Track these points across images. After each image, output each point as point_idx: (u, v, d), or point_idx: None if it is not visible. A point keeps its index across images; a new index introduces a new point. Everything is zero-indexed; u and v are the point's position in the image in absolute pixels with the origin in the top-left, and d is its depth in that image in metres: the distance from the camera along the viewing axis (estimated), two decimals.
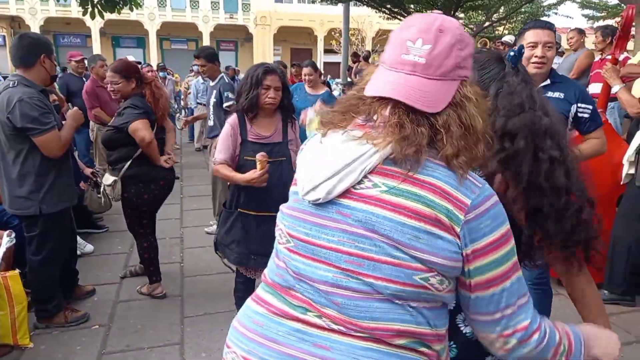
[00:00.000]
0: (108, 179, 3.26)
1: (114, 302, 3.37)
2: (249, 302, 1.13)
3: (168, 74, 11.72)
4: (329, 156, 0.97)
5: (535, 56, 2.36)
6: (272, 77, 2.61)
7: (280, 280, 1.05)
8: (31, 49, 2.74)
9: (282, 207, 1.10)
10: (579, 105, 2.41)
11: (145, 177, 3.21)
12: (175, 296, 3.48)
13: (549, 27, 2.41)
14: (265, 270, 1.13)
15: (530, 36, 2.39)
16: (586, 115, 2.42)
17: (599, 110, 3.43)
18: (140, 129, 3.07)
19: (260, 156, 2.47)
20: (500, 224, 0.94)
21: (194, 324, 3.09)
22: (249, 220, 2.66)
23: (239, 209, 2.68)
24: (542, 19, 16.37)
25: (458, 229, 0.91)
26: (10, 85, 2.66)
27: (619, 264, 3.37)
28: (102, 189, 3.32)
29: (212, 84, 4.80)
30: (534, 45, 2.37)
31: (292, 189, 1.08)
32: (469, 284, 0.96)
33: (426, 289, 0.93)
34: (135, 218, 3.33)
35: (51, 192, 2.78)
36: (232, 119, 2.66)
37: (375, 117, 0.96)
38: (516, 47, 1.22)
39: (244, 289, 2.80)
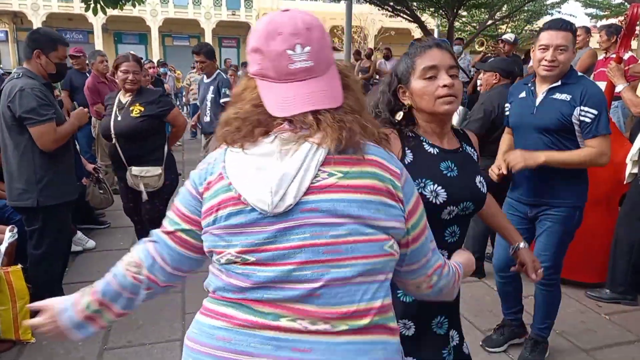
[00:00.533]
0: (150, 170, 3.34)
1: None
2: (201, 318, 1.08)
3: (169, 70, 11.70)
4: (279, 162, 0.97)
5: (545, 59, 2.28)
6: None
7: (240, 295, 1.01)
8: (29, 44, 2.78)
9: (211, 230, 1.03)
10: (582, 108, 2.25)
11: (174, 162, 3.56)
12: (176, 292, 3.48)
13: (566, 27, 2.27)
14: (210, 287, 1.07)
15: (544, 38, 2.30)
16: (587, 120, 2.25)
17: None
18: (179, 114, 3.50)
19: None
20: (413, 184, 1.11)
21: None
22: None
23: None
24: (544, 18, 16.37)
25: (400, 195, 1.03)
26: (15, 77, 2.72)
27: (621, 264, 3.37)
28: (107, 184, 3.45)
29: (207, 80, 4.82)
30: (545, 48, 2.28)
31: (222, 212, 1.01)
32: (407, 241, 1.08)
33: (392, 256, 1.05)
34: (166, 206, 3.36)
35: (50, 185, 2.78)
36: None
37: (298, 125, 1.00)
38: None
39: None
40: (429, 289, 1.19)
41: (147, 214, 3.53)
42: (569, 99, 2.30)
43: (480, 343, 2.84)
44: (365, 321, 0.99)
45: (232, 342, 0.99)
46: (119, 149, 3.38)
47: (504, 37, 6.57)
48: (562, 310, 3.26)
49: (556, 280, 2.58)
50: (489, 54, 6.72)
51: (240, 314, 1.00)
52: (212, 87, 4.74)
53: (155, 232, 1.15)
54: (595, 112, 2.25)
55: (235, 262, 1.00)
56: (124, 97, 3.44)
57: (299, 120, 0.98)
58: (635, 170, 3.23)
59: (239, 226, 0.99)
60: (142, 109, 3.33)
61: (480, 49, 6.75)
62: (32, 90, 2.64)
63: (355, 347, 0.99)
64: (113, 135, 3.37)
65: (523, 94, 2.51)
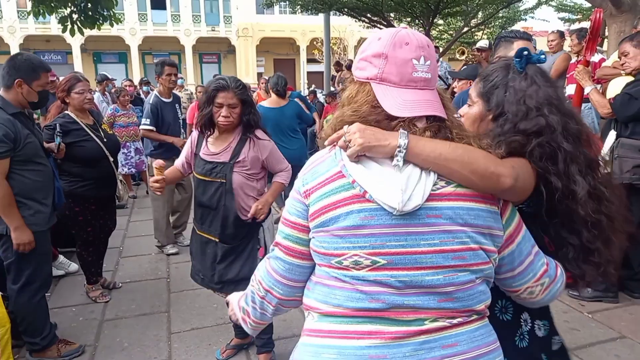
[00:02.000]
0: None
1: (99, 321, 3.34)
2: (340, 342, 1.04)
3: (151, 90, 11.61)
4: (403, 167, 1.03)
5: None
6: (225, 94, 2.40)
7: (377, 305, 1.02)
8: (10, 71, 2.63)
9: (330, 230, 1.04)
10: None
11: None
12: (161, 312, 3.45)
13: (526, 38, 2.38)
14: (324, 304, 1.07)
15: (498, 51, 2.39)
16: None
17: None
18: None
19: (156, 163, 2.44)
20: None
21: (182, 340, 3.07)
22: (196, 238, 2.68)
23: (195, 228, 2.70)
24: (518, 23, 16.69)
25: (498, 198, 1.09)
26: None
27: None
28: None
29: (167, 100, 4.55)
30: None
31: (342, 210, 1.02)
32: (504, 241, 1.10)
33: (492, 265, 1.09)
34: None
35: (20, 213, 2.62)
36: (194, 132, 2.64)
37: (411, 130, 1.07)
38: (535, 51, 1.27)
39: None
40: (543, 294, 1.18)
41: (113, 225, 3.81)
42: None
43: None
44: (486, 314, 1.11)
45: (387, 357, 1.01)
46: (114, 166, 3.54)
47: (478, 45, 6.69)
48: (560, 317, 3.31)
49: None
50: (470, 62, 6.82)
51: (388, 328, 1.02)
52: (176, 106, 4.67)
53: (270, 247, 1.23)
54: None
55: (364, 266, 1.02)
56: (83, 119, 3.40)
57: (411, 126, 1.06)
58: (608, 170, 3.30)
59: (364, 227, 1.01)
60: (106, 126, 3.63)
61: (462, 58, 6.84)
62: None
63: (485, 329, 1.10)
64: (109, 156, 3.48)
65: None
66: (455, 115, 1.18)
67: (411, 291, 1.01)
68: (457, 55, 7.05)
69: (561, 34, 5.71)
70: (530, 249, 1.14)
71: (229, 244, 2.54)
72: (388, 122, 1.06)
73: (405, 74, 1.06)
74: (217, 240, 2.54)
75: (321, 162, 1.11)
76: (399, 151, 1.02)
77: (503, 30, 13.60)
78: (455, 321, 1.04)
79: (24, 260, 2.70)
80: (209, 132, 2.54)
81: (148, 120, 4.38)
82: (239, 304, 1.34)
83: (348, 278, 1.04)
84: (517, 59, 1.23)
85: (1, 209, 2.56)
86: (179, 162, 2.70)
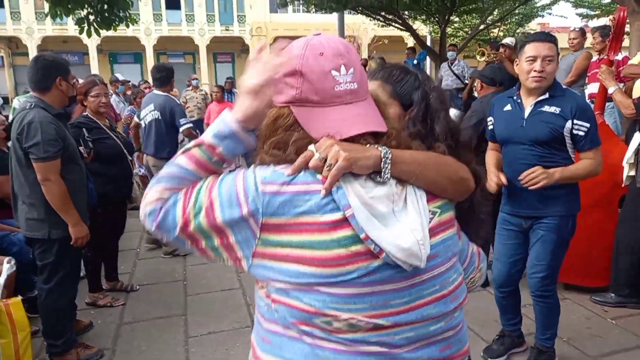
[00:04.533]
0: None
1: (117, 324, 3.36)
2: None
3: None
4: (401, 206, 0.91)
5: (535, 70, 2.31)
6: None
7: None
8: (46, 72, 2.71)
9: (328, 289, 0.87)
10: (575, 122, 2.30)
11: None
12: (178, 316, 3.46)
13: (550, 39, 2.34)
14: None
15: (530, 50, 2.33)
16: (581, 133, 2.31)
17: (596, 113, 3.45)
18: None
19: None
20: None
21: (199, 344, 3.07)
22: None
23: None
24: (535, 20, 16.46)
25: None
26: (27, 107, 2.67)
27: (624, 266, 3.35)
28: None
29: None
30: (533, 60, 2.32)
31: (344, 269, 0.86)
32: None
33: None
34: None
35: (60, 217, 2.70)
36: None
37: None
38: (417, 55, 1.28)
39: None
40: (480, 278, 1.19)
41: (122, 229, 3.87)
42: (558, 112, 2.33)
43: (482, 354, 2.81)
44: None
45: None
46: (131, 165, 3.66)
47: (504, 41, 6.57)
48: (567, 317, 3.24)
49: (552, 291, 2.57)
50: (491, 62, 6.71)
51: None
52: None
53: (175, 221, 0.94)
54: (588, 125, 2.31)
55: (361, 329, 0.88)
56: (100, 121, 3.50)
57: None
58: (633, 173, 3.22)
59: (370, 284, 0.87)
60: (118, 129, 3.73)
61: (482, 59, 6.71)
62: (41, 124, 2.58)
63: None
64: (127, 154, 3.60)
65: (508, 107, 2.52)
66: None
67: (416, 345, 0.92)
68: (478, 57, 6.89)
69: (582, 32, 5.59)
70: (466, 239, 1.12)
71: None
72: None
73: (327, 90, 0.92)
74: None
75: (301, 194, 0.87)
76: (385, 162, 0.89)
77: (519, 28, 13.41)
78: None
79: (61, 262, 2.77)
80: None
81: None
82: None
83: (341, 339, 0.88)
84: (416, 64, 1.25)
85: (61, 206, 2.67)
86: None
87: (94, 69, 25.40)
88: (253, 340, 1.01)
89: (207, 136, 0.97)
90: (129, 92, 8.64)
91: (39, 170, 2.61)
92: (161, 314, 3.49)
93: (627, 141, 3.38)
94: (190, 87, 9.23)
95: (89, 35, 8.37)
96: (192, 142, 0.98)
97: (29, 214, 2.72)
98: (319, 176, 0.88)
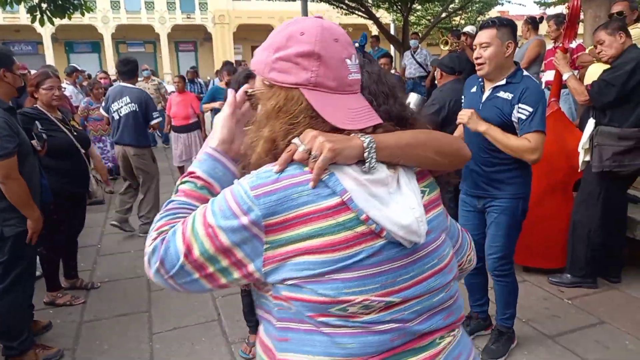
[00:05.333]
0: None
1: (78, 322, 3.26)
2: None
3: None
4: (395, 187, 0.92)
5: (475, 58, 2.42)
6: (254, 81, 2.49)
7: (399, 342, 0.92)
8: None
9: (340, 275, 0.86)
10: (519, 105, 2.33)
11: None
12: (142, 312, 3.39)
13: (488, 25, 2.39)
14: (328, 357, 0.90)
15: (475, 40, 2.46)
16: (523, 117, 2.32)
17: (552, 100, 3.54)
18: None
19: None
20: None
21: (163, 340, 3.02)
22: None
23: None
24: (495, 8, 16.77)
25: None
26: None
27: (580, 248, 3.47)
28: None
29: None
30: (475, 47, 2.43)
31: (349, 251, 0.86)
32: None
33: None
34: None
35: (11, 212, 2.60)
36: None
37: None
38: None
39: (249, 302, 2.67)
40: (475, 255, 1.24)
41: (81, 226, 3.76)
42: (510, 98, 2.39)
43: None
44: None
45: None
46: (86, 159, 3.53)
47: (465, 29, 6.66)
48: (527, 298, 3.35)
49: (509, 270, 2.66)
50: (454, 50, 6.79)
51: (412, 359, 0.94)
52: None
53: (177, 250, 0.90)
54: (530, 109, 2.33)
55: (375, 309, 0.89)
56: (52, 114, 3.36)
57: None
58: (588, 158, 3.33)
59: (373, 265, 0.88)
60: (75, 122, 3.54)
61: (446, 48, 6.78)
62: None
63: (465, 334, 1.07)
64: (80, 148, 3.45)
65: (474, 89, 2.61)
66: None
67: (424, 317, 0.95)
68: (441, 46, 6.95)
69: (533, 20, 5.72)
70: (452, 219, 1.16)
71: None
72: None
73: (343, 78, 0.92)
74: None
75: (295, 186, 0.87)
76: (370, 150, 0.88)
77: (480, 15, 13.63)
78: (454, 332, 1.02)
79: (15, 260, 2.65)
80: None
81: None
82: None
83: (357, 323, 0.89)
84: (359, 46, 1.24)
85: (23, 203, 2.60)
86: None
87: (49, 58, 24.41)
88: (266, 344, 0.99)
89: (190, 168, 1.02)
90: (85, 83, 8.34)
91: None
92: (124, 311, 3.41)
93: (582, 127, 3.49)
94: (142, 78, 8.91)
95: (42, 24, 8.01)
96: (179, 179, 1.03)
97: None
98: (306, 168, 0.88)
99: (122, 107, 4.77)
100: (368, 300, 0.87)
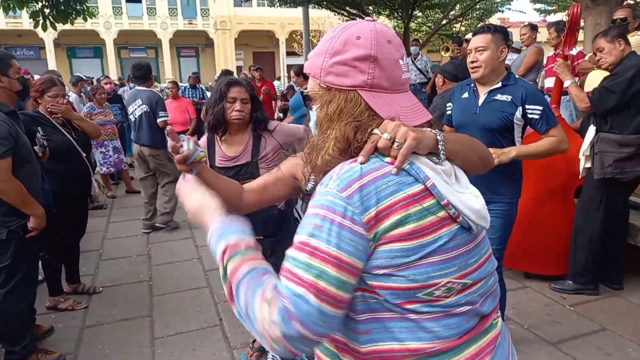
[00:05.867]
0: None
1: (80, 327, 3.26)
2: None
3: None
4: (452, 178, 0.99)
5: (470, 62, 2.50)
6: (237, 89, 2.43)
7: (472, 323, 0.97)
8: None
9: (428, 259, 0.89)
10: (527, 107, 2.41)
11: None
12: (144, 317, 3.39)
13: (484, 30, 2.48)
14: (414, 342, 0.92)
15: (470, 45, 2.53)
16: (536, 116, 2.42)
17: (552, 107, 3.56)
18: None
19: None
20: None
21: (165, 345, 3.02)
22: None
23: None
24: (495, 15, 16.85)
25: None
26: None
27: (581, 255, 3.47)
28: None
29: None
30: (471, 52, 2.50)
31: (434, 235, 0.90)
32: None
33: None
34: None
35: (12, 216, 2.61)
36: (202, 141, 2.54)
37: None
38: None
39: None
40: None
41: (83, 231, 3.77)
42: (510, 99, 2.45)
43: None
44: None
45: (495, 353, 1.01)
46: (86, 160, 3.53)
47: (467, 36, 6.70)
48: (528, 304, 3.35)
49: (501, 272, 2.70)
50: (456, 57, 6.82)
51: (485, 340, 0.99)
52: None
53: (307, 299, 0.85)
54: (540, 107, 2.42)
55: (455, 291, 0.94)
56: (53, 118, 3.39)
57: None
58: (589, 165, 3.34)
59: (452, 249, 0.93)
60: (75, 125, 3.54)
61: (447, 55, 6.81)
62: None
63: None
64: (80, 150, 3.46)
65: (466, 95, 2.65)
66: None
67: (483, 299, 1.00)
68: (442, 53, 6.98)
69: (532, 27, 5.76)
70: None
71: (275, 235, 2.49)
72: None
73: (396, 78, 0.97)
74: (261, 237, 2.47)
75: (380, 178, 0.89)
76: (441, 142, 0.96)
77: (480, 22, 13.71)
78: (498, 314, 1.07)
79: (18, 263, 2.66)
80: (220, 131, 2.49)
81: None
82: (226, 262, 0.97)
83: (439, 308, 0.93)
84: None
85: (21, 203, 2.61)
86: None
87: (51, 63, 24.50)
88: (341, 339, 0.98)
89: (218, 248, 0.99)
90: (88, 88, 8.36)
91: None
92: (126, 315, 3.41)
93: (582, 134, 3.51)
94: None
95: (45, 29, 8.06)
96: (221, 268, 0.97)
97: None
98: (387, 159, 0.92)
99: (136, 109, 5.11)
100: (450, 282, 0.92)
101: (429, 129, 0.98)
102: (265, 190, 1.39)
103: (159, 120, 5.09)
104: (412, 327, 0.92)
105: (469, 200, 0.96)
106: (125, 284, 3.95)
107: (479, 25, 2.70)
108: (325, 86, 0.99)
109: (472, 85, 2.61)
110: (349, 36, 0.96)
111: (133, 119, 5.18)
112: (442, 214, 0.91)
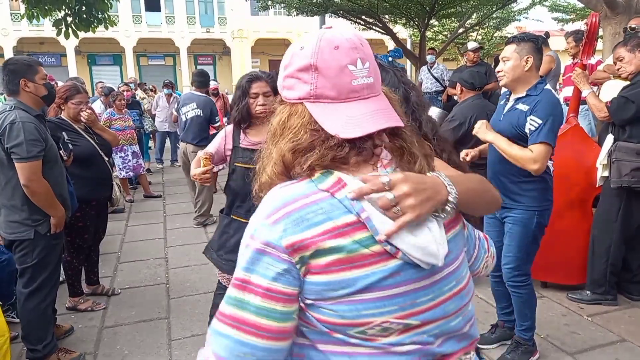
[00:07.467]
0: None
1: (99, 328, 3.32)
2: None
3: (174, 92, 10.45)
4: None
5: (497, 71, 2.57)
6: (258, 84, 2.54)
7: None
8: (11, 76, 2.69)
9: (358, 296, 0.84)
10: (530, 117, 2.42)
11: None
12: (161, 319, 3.44)
13: (510, 41, 2.55)
14: None
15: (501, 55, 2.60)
16: (532, 128, 2.40)
17: (570, 116, 3.55)
18: None
19: (203, 154, 2.42)
20: None
21: (182, 347, 3.06)
22: (241, 228, 2.60)
23: (232, 215, 2.63)
24: (512, 24, 16.78)
25: None
26: (8, 109, 2.64)
27: (599, 264, 3.44)
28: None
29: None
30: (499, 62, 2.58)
31: (365, 270, 0.84)
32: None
33: None
34: None
35: (41, 214, 2.71)
36: (229, 126, 2.66)
37: (381, 153, 0.94)
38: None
39: None
40: (493, 260, 1.20)
41: (103, 233, 3.84)
42: (525, 110, 2.47)
43: None
44: None
45: None
46: (109, 165, 3.68)
47: (469, 46, 6.69)
48: (545, 314, 3.32)
49: (524, 282, 2.67)
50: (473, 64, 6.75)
51: None
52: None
53: (230, 339, 0.85)
54: (539, 121, 2.39)
55: (394, 331, 0.87)
56: (75, 124, 3.49)
57: (368, 150, 0.90)
58: (606, 174, 3.32)
59: (390, 286, 0.85)
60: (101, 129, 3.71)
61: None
62: (22, 123, 2.57)
63: (476, 357, 1.05)
64: (103, 155, 3.59)
65: (503, 101, 2.73)
66: None
67: (441, 340, 0.93)
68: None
69: (546, 36, 5.73)
70: (470, 226, 1.11)
71: None
72: (350, 150, 0.88)
73: (344, 85, 0.88)
74: None
75: (308, 206, 0.85)
76: (452, 205, 0.89)
77: (497, 31, 13.58)
78: (469, 356, 1.00)
79: (42, 264, 2.74)
80: (245, 125, 2.58)
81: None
82: None
83: (376, 344, 0.87)
84: (390, 60, 1.31)
85: (47, 205, 2.71)
86: (212, 150, 2.61)
87: (72, 71, 24.98)
88: None
89: None
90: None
91: (21, 171, 2.59)
92: (144, 317, 3.47)
93: (600, 143, 3.49)
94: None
95: (67, 37, 8.25)
96: None
97: (10, 217, 2.69)
98: (320, 186, 0.88)
99: (189, 111, 5.63)
100: (387, 322, 0.86)
101: (445, 181, 0.91)
102: None
103: (215, 124, 5.86)
104: None
105: (413, 235, 0.86)
106: (143, 287, 4.01)
107: (500, 35, 2.79)
108: (280, 101, 0.98)
109: (508, 93, 2.67)
110: (294, 48, 0.93)
111: (184, 119, 5.65)
112: (377, 248, 0.84)
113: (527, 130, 2.43)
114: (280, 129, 0.93)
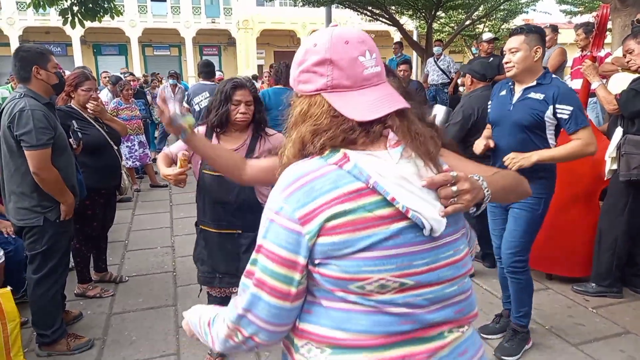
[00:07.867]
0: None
1: (107, 314, 3.36)
2: None
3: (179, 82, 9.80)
4: (417, 178, 0.98)
5: (504, 62, 2.58)
6: (242, 92, 2.46)
7: (408, 327, 0.97)
8: (23, 63, 2.70)
9: (361, 254, 0.93)
10: (557, 106, 2.44)
11: None
12: (168, 306, 3.48)
13: (517, 32, 2.55)
14: (342, 332, 0.97)
15: (505, 46, 2.60)
16: (565, 116, 2.44)
17: None
18: None
19: (181, 154, 2.33)
20: None
21: None
22: (211, 238, 2.58)
23: (200, 226, 2.62)
24: (520, 16, 16.66)
25: None
26: (17, 97, 2.66)
27: (605, 257, 3.45)
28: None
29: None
30: (505, 53, 2.58)
31: (371, 230, 0.93)
32: None
33: None
34: None
35: (51, 201, 2.74)
36: (201, 127, 2.54)
37: (393, 134, 1.00)
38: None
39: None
40: (474, 250, 1.28)
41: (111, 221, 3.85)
42: (542, 98, 2.49)
43: (477, 329, 2.90)
44: None
45: None
46: (118, 155, 3.67)
47: (484, 37, 6.66)
48: (550, 306, 3.34)
49: (524, 268, 2.70)
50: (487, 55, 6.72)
51: (418, 347, 0.98)
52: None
53: (249, 290, 1.00)
54: (570, 108, 2.44)
55: (390, 289, 0.95)
56: (85, 113, 3.49)
57: (376, 132, 0.99)
58: (615, 167, 3.32)
59: (391, 247, 0.94)
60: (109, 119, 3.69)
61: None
62: (32, 111, 2.58)
63: (475, 332, 1.12)
64: (112, 144, 3.60)
65: (504, 92, 2.72)
66: None
67: (435, 307, 0.99)
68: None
69: (553, 29, 5.71)
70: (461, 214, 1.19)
71: (254, 231, 2.51)
72: (360, 132, 0.97)
73: (357, 75, 0.99)
74: (239, 232, 2.51)
75: (318, 178, 0.95)
76: (485, 201, 1.07)
77: (504, 23, 13.50)
78: (463, 329, 1.05)
79: (51, 251, 2.78)
80: (220, 130, 2.51)
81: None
82: (201, 324, 1.17)
83: (372, 302, 0.96)
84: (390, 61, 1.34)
85: (57, 192, 2.73)
86: (176, 149, 2.49)
87: (78, 60, 25.01)
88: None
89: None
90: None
91: (31, 159, 2.61)
92: (151, 304, 3.51)
93: (609, 136, 3.48)
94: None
95: (73, 26, 8.26)
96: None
97: (19, 204, 2.72)
98: (329, 160, 0.97)
99: (202, 100, 5.69)
100: (384, 279, 0.94)
101: (482, 183, 1.07)
102: (271, 173, 1.37)
103: None
104: (340, 317, 0.98)
105: (421, 203, 0.96)
106: (151, 274, 4.05)
107: (507, 27, 2.78)
108: (297, 95, 1.07)
109: (510, 83, 2.67)
110: (307, 45, 1.04)
111: (198, 109, 5.68)
112: (380, 212, 0.93)
113: (547, 118, 2.47)
114: (302, 118, 1.04)
